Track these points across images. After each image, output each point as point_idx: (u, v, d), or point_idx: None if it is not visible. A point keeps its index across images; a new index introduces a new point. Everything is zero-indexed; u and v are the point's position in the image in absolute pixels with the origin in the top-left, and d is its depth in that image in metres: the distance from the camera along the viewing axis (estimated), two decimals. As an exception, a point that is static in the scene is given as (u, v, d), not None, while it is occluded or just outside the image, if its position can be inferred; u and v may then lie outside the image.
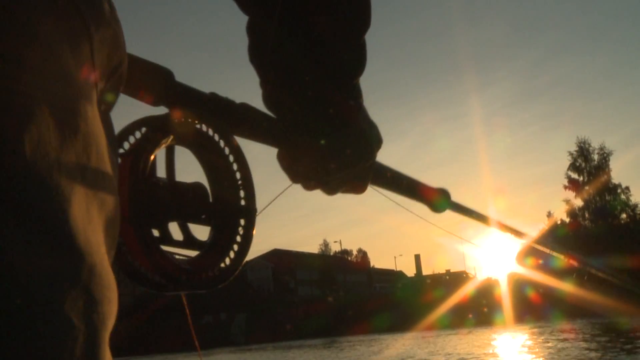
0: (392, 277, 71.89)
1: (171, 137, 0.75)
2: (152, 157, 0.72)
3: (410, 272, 72.97)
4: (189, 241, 0.77)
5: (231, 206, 0.81)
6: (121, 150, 0.69)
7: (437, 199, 1.03)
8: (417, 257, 65.73)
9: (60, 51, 0.47)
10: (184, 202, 0.76)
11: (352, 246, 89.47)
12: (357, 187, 0.92)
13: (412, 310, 34.72)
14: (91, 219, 0.46)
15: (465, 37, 72.44)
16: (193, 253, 0.78)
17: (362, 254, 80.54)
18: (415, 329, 29.15)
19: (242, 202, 0.82)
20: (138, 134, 0.72)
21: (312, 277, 62.30)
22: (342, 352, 23.02)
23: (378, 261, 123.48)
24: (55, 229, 0.42)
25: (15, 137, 0.41)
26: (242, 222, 0.82)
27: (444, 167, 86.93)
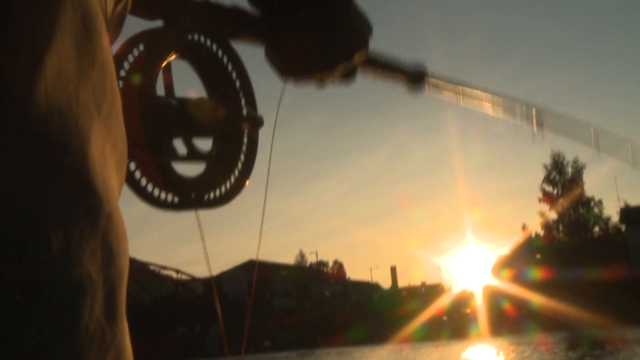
0: (368, 288, 71.78)
1: (172, 52, 0.74)
2: (157, 74, 0.71)
3: (386, 283, 73.04)
4: (193, 154, 0.77)
5: (234, 117, 0.81)
6: (122, 73, 0.69)
7: (413, 76, 0.95)
8: (393, 269, 65.74)
9: None
10: (189, 118, 0.75)
11: (329, 257, 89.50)
12: (348, 77, 0.89)
13: (388, 322, 34.69)
14: (106, 161, 0.42)
15: (441, 49, 73.05)
16: (198, 166, 0.78)
17: (338, 265, 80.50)
18: (392, 341, 29.11)
19: (244, 111, 0.82)
20: (136, 52, 0.71)
21: (287, 289, 62.08)
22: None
23: (354, 273, 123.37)
24: (74, 169, 0.38)
25: (36, 63, 0.37)
26: (246, 131, 0.81)
27: (421, 178, 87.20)
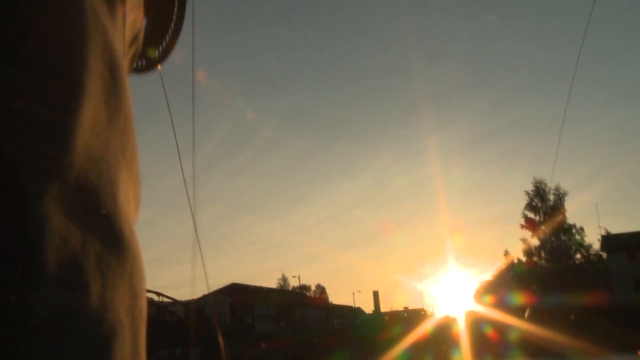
0: (351, 313, 71.53)
1: None
2: None
3: (368, 308, 72.87)
4: None
5: None
6: None
7: None
8: (376, 294, 65.48)
9: (101, 14, 0.44)
10: None
11: (311, 282, 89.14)
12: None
13: (370, 347, 34.52)
14: (129, 204, 0.44)
15: (425, 76, 73.59)
16: None
17: (321, 289, 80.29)
18: (373, 366, 28.91)
19: None
20: None
21: (270, 312, 61.67)
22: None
23: (336, 297, 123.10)
24: (108, 216, 0.39)
25: (74, 113, 0.38)
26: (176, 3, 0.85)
27: (402, 204, 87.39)
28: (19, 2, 0.38)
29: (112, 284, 0.39)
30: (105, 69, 0.42)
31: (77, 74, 0.40)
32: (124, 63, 0.47)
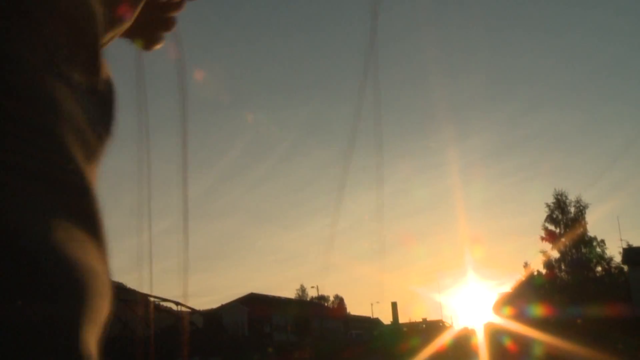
0: (369, 324, 71.30)
1: None
2: None
3: (387, 319, 72.50)
4: None
5: None
6: None
7: None
8: (394, 305, 65.23)
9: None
10: None
11: (329, 292, 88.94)
12: None
13: (389, 358, 34.37)
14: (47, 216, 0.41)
15: (445, 87, 73.27)
16: None
17: (339, 300, 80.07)
18: (391, 378, 28.76)
19: None
20: None
21: (288, 323, 61.62)
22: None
23: (355, 308, 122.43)
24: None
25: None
26: None
27: (422, 215, 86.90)
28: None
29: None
30: None
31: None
32: (43, 72, 0.44)
